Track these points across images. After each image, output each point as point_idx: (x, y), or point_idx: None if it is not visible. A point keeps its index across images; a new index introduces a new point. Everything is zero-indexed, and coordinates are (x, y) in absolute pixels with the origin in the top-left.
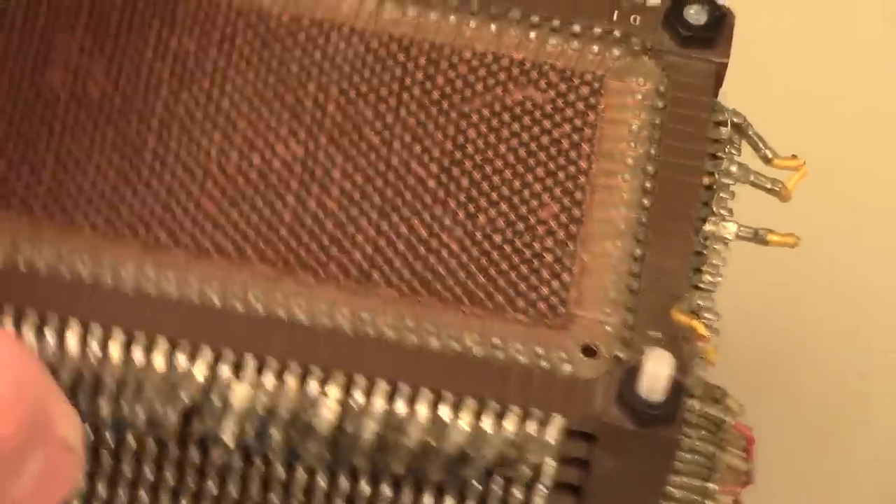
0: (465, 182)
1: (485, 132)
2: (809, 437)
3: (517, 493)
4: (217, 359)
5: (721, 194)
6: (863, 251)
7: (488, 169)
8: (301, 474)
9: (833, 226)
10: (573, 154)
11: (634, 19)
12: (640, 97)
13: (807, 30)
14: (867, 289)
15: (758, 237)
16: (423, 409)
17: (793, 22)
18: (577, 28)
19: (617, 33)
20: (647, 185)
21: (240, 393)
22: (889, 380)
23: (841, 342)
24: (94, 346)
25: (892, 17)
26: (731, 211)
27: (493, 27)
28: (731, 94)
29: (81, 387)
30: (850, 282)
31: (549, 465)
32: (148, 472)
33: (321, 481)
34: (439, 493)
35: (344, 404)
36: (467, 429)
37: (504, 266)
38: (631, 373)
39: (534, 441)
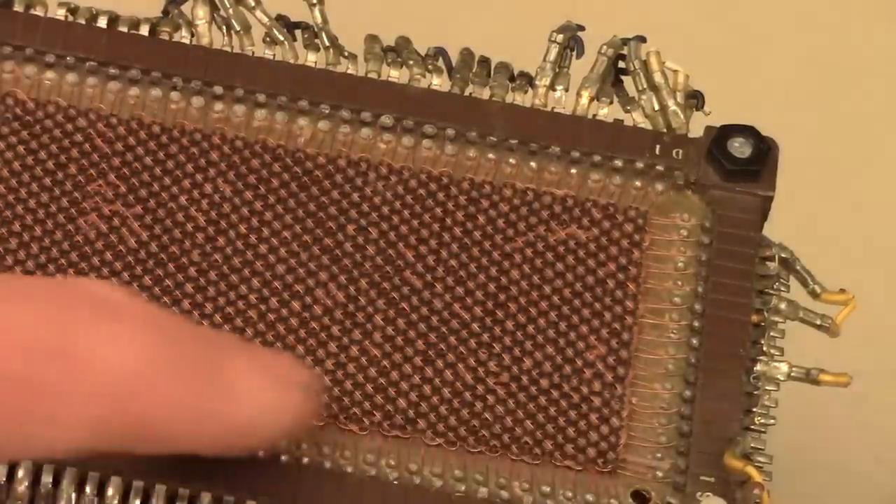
0: (509, 325)
1: (528, 273)
2: (810, 438)
3: None
4: None
5: (771, 333)
6: (861, 249)
7: (533, 311)
8: None
9: (832, 225)
10: (619, 293)
11: (677, 153)
12: (685, 233)
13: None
14: (866, 287)
15: (810, 377)
16: None
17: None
18: (618, 163)
19: (660, 167)
20: (696, 324)
21: None
22: (889, 380)
23: (840, 341)
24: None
25: None
26: (781, 350)
27: (532, 163)
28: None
29: None
30: (849, 281)
31: None
32: None
33: None
34: None
35: None
36: None
37: (552, 411)
38: None
39: None
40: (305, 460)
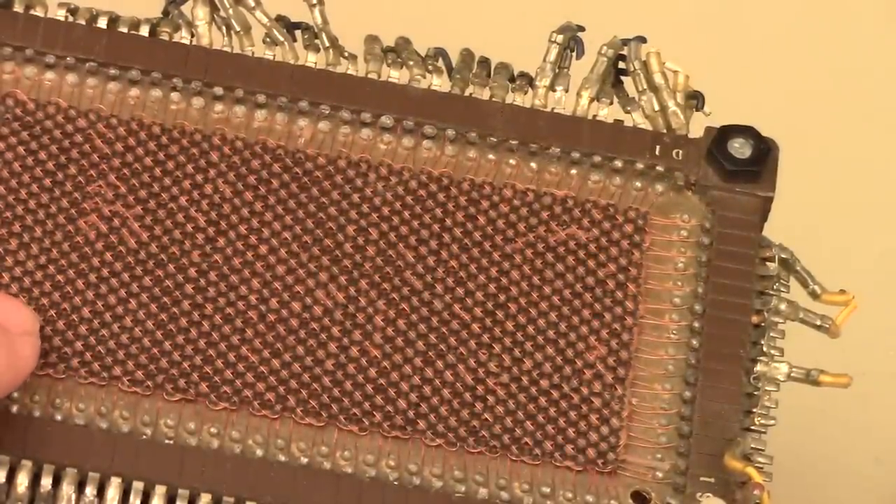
0: (509, 326)
1: (528, 273)
2: (809, 438)
3: None
4: None
5: (771, 333)
6: (861, 249)
7: (533, 312)
8: None
9: (832, 225)
10: (619, 294)
11: (677, 153)
12: (685, 234)
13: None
14: (866, 287)
15: (810, 378)
16: None
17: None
18: (618, 163)
19: (660, 168)
20: (695, 324)
21: None
22: (889, 380)
23: (840, 342)
24: (137, 503)
25: None
26: (781, 351)
27: (533, 164)
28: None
29: None
30: (849, 282)
31: None
32: None
33: None
34: None
35: None
36: None
37: (552, 412)
38: None
39: None
40: (304, 460)
